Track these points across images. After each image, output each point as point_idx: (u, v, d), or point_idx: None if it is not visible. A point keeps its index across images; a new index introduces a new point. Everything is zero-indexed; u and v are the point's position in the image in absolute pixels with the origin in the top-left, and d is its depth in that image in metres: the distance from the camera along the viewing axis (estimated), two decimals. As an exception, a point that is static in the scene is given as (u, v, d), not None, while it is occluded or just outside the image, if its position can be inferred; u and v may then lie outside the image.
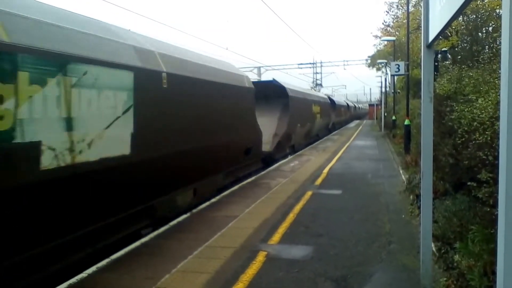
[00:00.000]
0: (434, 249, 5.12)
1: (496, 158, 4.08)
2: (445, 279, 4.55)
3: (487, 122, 4.63)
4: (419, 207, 7.14)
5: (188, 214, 8.21)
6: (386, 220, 7.37)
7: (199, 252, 5.95)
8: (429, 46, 4.21)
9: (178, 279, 5.03)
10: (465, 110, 5.45)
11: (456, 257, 4.59)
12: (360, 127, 45.95)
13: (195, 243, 6.29)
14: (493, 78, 5.77)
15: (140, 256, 5.89)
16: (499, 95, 4.76)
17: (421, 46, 4.39)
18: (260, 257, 5.65)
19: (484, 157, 4.38)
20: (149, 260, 5.69)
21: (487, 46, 15.63)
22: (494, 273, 4.00)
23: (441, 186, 6.69)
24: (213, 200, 9.48)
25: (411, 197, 8.45)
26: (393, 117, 26.15)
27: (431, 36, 4.03)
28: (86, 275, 5.25)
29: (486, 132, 4.53)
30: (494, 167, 4.16)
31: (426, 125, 4.30)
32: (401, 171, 12.41)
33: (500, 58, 2.12)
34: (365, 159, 16.35)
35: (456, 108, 5.89)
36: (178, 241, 6.55)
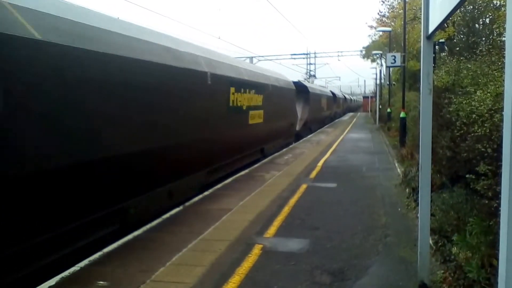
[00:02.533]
0: (431, 242, 5.10)
1: (496, 150, 4.04)
2: (442, 271, 4.54)
3: (486, 115, 4.58)
4: (415, 200, 7.13)
5: (181, 207, 8.12)
6: (382, 213, 7.34)
7: (194, 245, 5.88)
8: (429, 37, 4.13)
9: (173, 272, 4.97)
10: (464, 102, 5.40)
11: (454, 249, 4.56)
12: (355, 119, 45.99)
13: (189, 236, 6.22)
14: (492, 70, 5.71)
15: (134, 250, 5.81)
16: (498, 87, 4.71)
17: (421, 37, 4.31)
18: (256, 250, 5.60)
19: (483, 149, 4.34)
20: (143, 253, 5.61)
21: (484, 38, 15.59)
22: (492, 265, 3.98)
23: (438, 179, 6.66)
24: (206, 193, 9.40)
25: (407, 190, 8.42)
26: (388, 110, 26.00)
27: (431, 27, 3.95)
28: (79, 268, 5.16)
29: (485, 125, 4.48)
30: (492, 160, 4.12)
31: (425, 117, 4.23)
32: (396, 164, 12.40)
33: (502, 50, 2.05)
34: (360, 152, 16.34)
35: (454, 100, 5.84)
36: (172, 234, 6.48)
